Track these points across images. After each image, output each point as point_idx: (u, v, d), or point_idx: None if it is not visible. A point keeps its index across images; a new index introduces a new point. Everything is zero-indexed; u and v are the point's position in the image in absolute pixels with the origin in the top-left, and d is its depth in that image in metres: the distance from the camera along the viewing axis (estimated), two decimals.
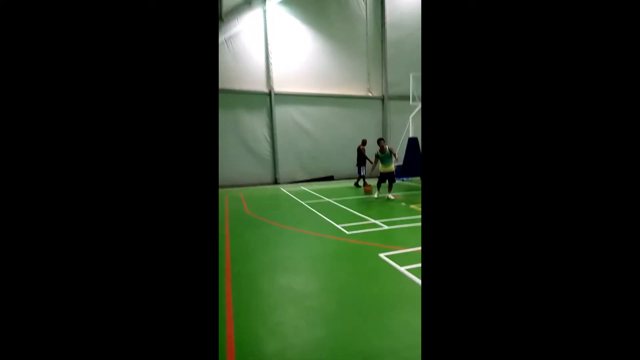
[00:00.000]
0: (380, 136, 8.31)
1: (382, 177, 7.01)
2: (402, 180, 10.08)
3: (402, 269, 3.10)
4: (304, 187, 9.53)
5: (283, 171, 10.72)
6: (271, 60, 10.23)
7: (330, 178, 11.11)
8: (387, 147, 6.86)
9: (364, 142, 8.95)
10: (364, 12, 11.06)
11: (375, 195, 7.13)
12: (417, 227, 4.67)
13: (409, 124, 10.43)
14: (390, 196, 6.96)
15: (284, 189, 9.46)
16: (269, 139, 10.53)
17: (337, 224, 4.90)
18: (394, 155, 6.93)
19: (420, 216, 5.30)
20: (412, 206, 6.15)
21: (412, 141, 10.24)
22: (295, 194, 8.33)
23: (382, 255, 3.48)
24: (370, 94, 11.32)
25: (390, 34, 11.27)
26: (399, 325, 2.14)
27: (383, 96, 11.47)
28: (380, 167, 6.91)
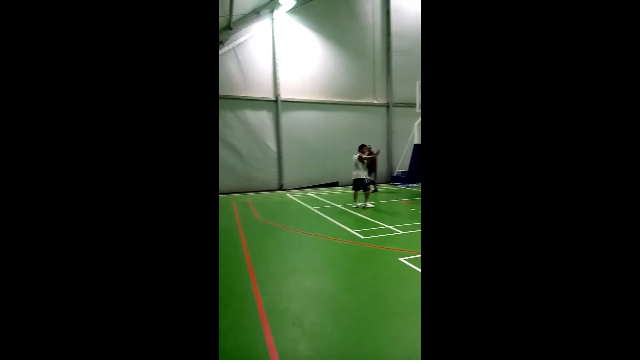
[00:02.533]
0: (375, 143, 8.11)
1: (354, 184, 6.64)
2: (408, 187, 10.14)
3: None
4: (310, 193, 9.57)
5: (288, 177, 10.77)
6: (278, 68, 10.36)
7: (335, 184, 11.15)
8: (365, 155, 6.53)
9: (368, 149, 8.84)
10: (371, 22, 11.27)
11: (356, 205, 6.74)
12: None
13: (414, 131, 10.53)
14: (368, 204, 6.66)
15: (290, 194, 9.49)
16: (274, 145, 10.61)
17: (351, 229, 4.93)
18: (364, 162, 6.56)
19: None
20: None
21: (417, 148, 10.34)
22: (303, 199, 8.37)
23: (402, 259, 3.51)
24: (375, 101, 11.45)
25: (395, 43, 11.46)
26: None
27: (388, 103, 11.61)
28: (353, 173, 6.58)
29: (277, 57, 10.37)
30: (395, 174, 11.21)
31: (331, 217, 5.90)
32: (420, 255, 3.60)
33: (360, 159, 6.54)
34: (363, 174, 6.61)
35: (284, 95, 10.54)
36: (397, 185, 10.68)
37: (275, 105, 10.49)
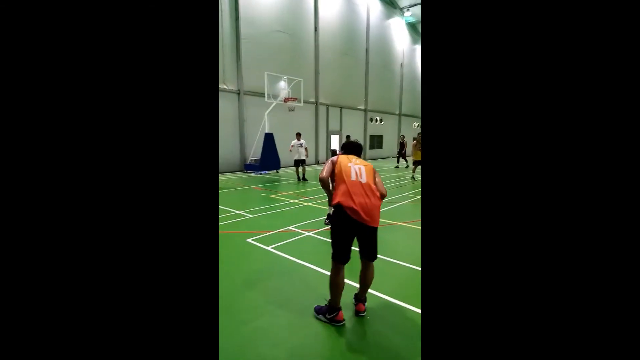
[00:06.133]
0: (226, 130, 8.27)
1: None
2: (261, 174, 10.55)
3: (269, 248, 3.48)
4: None
5: None
6: None
7: None
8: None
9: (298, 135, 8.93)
10: (219, 5, 10.68)
11: None
12: (279, 212, 5.19)
13: (265, 120, 10.97)
14: None
15: None
16: None
17: None
18: None
19: (280, 203, 5.87)
20: (273, 195, 6.67)
21: (268, 136, 10.84)
22: None
23: (249, 240, 3.75)
24: (225, 86, 11.12)
25: (244, 29, 11.38)
26: (275, 289, 2.50)
27: (239, 90, 11.51)
28: None
29: None
30: (248, 162, 11.38)
31: None
32: (266, 234, 3.94)
33: None
34: None
35: None
36: (250, 172, 10.91)
37: None
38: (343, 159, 2.13)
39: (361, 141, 17.86)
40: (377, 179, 2.10)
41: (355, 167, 2.05)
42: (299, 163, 8.88)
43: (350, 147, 2.32)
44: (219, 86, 10.95)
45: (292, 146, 8.83)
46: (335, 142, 16.25)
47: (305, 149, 8.86)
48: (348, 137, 11.95)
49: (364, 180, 2.00)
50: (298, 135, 9.01)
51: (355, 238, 2.02)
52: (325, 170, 2.10)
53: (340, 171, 2.04)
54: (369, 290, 2.29)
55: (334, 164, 2.12)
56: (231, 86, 11.33)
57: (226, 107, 11.26)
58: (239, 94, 11.54)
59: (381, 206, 2.05)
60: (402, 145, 13.63)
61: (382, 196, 2.04)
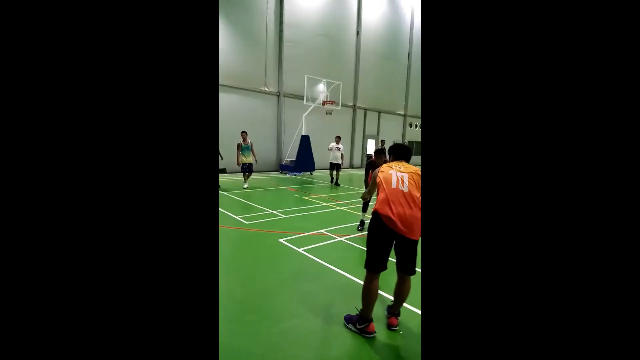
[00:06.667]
0: (265, 131, 8.51)
1: (243, 168, 7.73)
2: (295, 175, 10.70)
3: (301, 250, 3.48)
4: None
5: None
6: None
7: (223, 171, 10.73)
8: (248, 139, 7.64)
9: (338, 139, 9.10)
10: (265, 9, 11.08)
11: (245, 186, 7.78)
12: (311, 214, 5.19)
13: (302, 122, 11.12)
14: (245, 185, 7.75)
15: None
16: None
17: (236, 215, 4.93)
18: (253, 150, 7.74)
19: (313, 205, 5.88)
20: (306, 197, 6.71)
21: (304, 139, 10.97)
22: None
23: (281, 240, 3.78)
24: (266, 89, 11.47)
25: (287, 33, 11.67)
26: (310, 291, 2.49)
27: (279, 92, 11.81)
28: (242, 158, 7.62)
29: None
30: (283, 163, 11.61)
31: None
32: (298, 236, 3.95)
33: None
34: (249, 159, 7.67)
35: None
36: (285, 173, 11.11)
37: None
38: (384, 167, 2.07)
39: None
40: None
41: (398, 175, 1.96)
42: (334, 166, 8.85)
43: (399, 152, 2.18)
44: (261, 88, 11.31)
45: (330, 149, 8.84)
46: (371, 147, 16.02)
47: (342, 154, 8.81)
48: (382, 142, 11.72)
49: (405, 189, 1.90)
50: (337, 139, 8.98)
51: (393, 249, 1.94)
52: (368, 190, 2.29)
53: (382, 179, 1.98)
54: (405, 305, 2.18)
55: (374, 177, 2.10)
56: (272, 89, 11.66)
57: (266, 109, 11.60)
58: (278, 96, 11.83)
59: None
60: None
61: None
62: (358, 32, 14.13)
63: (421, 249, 0.89)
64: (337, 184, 8.79)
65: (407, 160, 2.15)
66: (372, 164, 4.07)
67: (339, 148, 8.75)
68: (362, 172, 11.33)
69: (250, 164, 7.71)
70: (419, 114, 18.81)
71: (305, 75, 10.96)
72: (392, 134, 17.07)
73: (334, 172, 8.87)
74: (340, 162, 8.77)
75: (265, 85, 11.45)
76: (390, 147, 2.26)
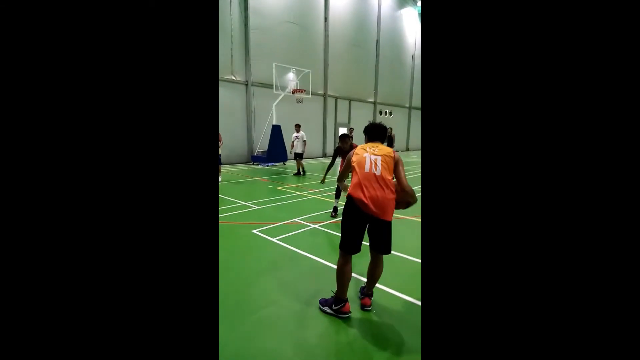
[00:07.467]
0: (234, 121, 8.23)
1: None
2: (268, 166, 10.55)
3: (275, 239, 3.47)
4: None
5: None
6: None
7: None
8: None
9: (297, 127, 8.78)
10: None
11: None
12: (285, 204, 5.18)
13: (273, 111, 10.92)
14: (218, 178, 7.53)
15: None
16: None
17: None
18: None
19: (286, 195, 5.86)
20: (279, 188, 6.65)
21: (275, 128, 10.80)
22: None
23: (254, 231, 3.74)
24: (233, 77, 11.07)
25: (253, 19, 11.26)
26: (281, 280, 2.49)
27: (247, 81, 11.45)
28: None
29: None
30: (255, 154, 11.38)
31: None
32: (272, 226, 3.93)
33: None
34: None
35: None
36: (257, 164, 10.92)
37: None
38: (359, 150, 2.07)
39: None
40: (400, 172, 1.98)
41: (372, 158, 1.97)
42: (297, 156, 8.72)
43: (374, 132, 2.14)
44: (228, 77, 10.92)
45: (293, 139, 8.71)
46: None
47: (304, 141, 8.66)
48: (352, 129, 11.80)
49: (378, 172, 1.93)
50: (297, 127, 8.79)
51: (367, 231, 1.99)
52: (341, 168, 2.16)
53: (355, 162, 2.00)
54: (377, 285, 2.25)
55: (349, 160, 2.10)
56: (239, 77, 11.28)
57: (234, 98, 11.23)
58: (247, 85, 11.49)
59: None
60: (390, 138, 13.34)
61: (404, 191, 1.94)
62: (326, 19, 13.95)
63: (421, 247, 0.90)
64: (299, 174, 8.53)
65: (382, 141, 2.14)
66: (339, 149, 4.09)
67: (298, 137, 8.63)
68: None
69: (218, 156, 7.47)
70: (389, 101, 19.16)
71: (274, 63, 10.70)
72: (363, 122, 17.17)
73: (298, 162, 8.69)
74: (300, 151, 8.65)
75: (232, 73, 11.05)
76: (366, 127, 2.23)
